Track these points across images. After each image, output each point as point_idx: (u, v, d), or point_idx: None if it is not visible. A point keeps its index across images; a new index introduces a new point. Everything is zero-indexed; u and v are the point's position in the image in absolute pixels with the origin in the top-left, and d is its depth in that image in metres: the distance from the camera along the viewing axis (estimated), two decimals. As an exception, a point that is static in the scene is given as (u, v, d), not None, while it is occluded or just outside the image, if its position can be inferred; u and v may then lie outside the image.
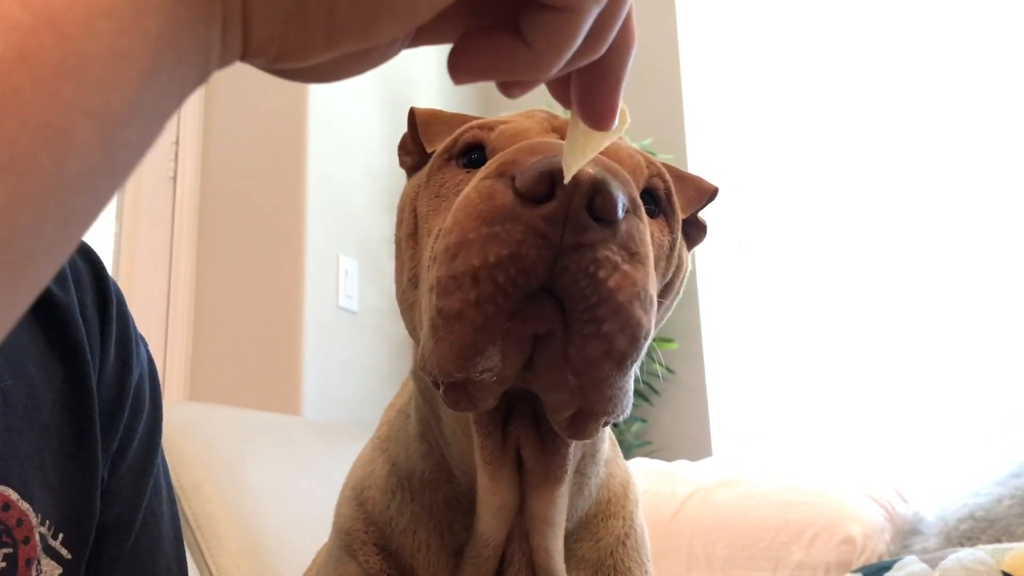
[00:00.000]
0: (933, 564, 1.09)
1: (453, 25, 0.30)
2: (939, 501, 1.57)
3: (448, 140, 0.56)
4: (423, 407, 0.60)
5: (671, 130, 2.42)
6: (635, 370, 0.45)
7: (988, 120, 2.20)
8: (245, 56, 0.26)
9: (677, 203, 0.56)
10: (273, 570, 1.18)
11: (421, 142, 0.61)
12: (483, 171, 0.45)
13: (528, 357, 0.43)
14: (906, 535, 1.53)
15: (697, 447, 2.20)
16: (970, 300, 2.13)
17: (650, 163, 0.55)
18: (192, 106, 1.97)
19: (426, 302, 0.45)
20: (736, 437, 2.30)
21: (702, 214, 0.63)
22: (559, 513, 0.55)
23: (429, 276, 0.44)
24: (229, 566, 1.16)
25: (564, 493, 0.55)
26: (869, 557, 1.45)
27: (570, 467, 0.54)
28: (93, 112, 0.20)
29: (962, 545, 1.36)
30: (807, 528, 1.50)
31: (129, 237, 1.93)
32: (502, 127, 0.53)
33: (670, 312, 0.59)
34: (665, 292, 0.55)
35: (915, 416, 2.12)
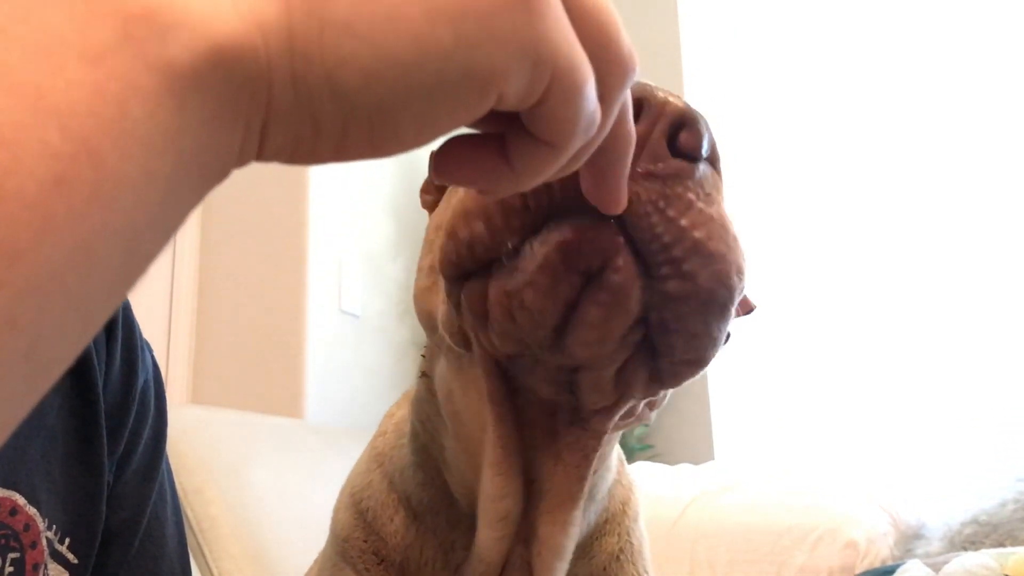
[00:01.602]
0: (937, 568, 1.09)
1: None
2: (942, 505, 1.57)
3: None
4: (423, 435, 0.58)
5: (674, 134, 2.42)
6: (729, 320, 0.40)
7: (998, 136, 2.20)
8: (256, 160, 0.28)
9: None
10: (275, 573, 1.18)
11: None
12: None
13: (571, 301, 0.37)
14: (909, 540, 1.53)
15: (700, 451, 2.20)
16: (975, 304, 2.13)
17: None
18: (195, 110, 1.98)
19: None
20: (739, 441, 2.30)
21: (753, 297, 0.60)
22: (570, 542, 0.51)
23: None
24: (231, 569, 1.16)
25: (579, 518, 0.51)
26: (872, 562, 1.45)
27: (588, 483, 0.50)
28: (119, 231, 0.21)
29: (965, 550, 1.35)
30: (810, 532, 1.50)
31: (132, 241, 1.93)
32: None
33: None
34: None
35: (919, 420, 2.11)
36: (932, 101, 2.26)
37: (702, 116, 0.38)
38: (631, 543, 0.61)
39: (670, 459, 2.03)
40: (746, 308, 0.57)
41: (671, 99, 0.38)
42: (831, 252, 2.31)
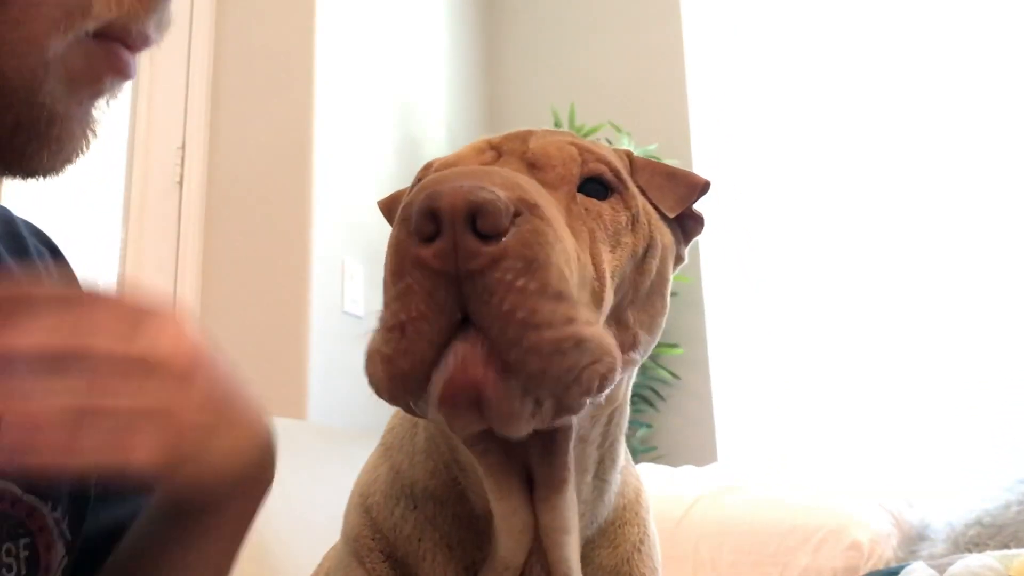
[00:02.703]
0: (941, 570, 1.09)
1: None
2: (946, 507, 1.56)
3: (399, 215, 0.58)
4: (438, 436, 0.60)
5: (676, 135, 2.42)
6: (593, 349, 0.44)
7: (1001, 133, 2.19)
8: None
9: (628, 180, 0.56)
10: (278, 573, 1.18)
11: None
12: (397, 216, 0.46)
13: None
14: (913, 541, 1.52)
15: (703, 453, 2.20)
16: (979, 306, 2.13)
17: (584, 150, 0.54)
18: (198, 111, 1.98)
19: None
20: (742, 443, 2.29)
21: (698, 206, 0.63)
22: (571, 518, 0.55)
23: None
24: (235, 570, 1.16)
25: (571, 498, 0.55)
26: (876, 563, 1.44)
27: (572, 471, 0.54)
28: None
29: (969, 551, 1.35)
30: (813, 533, 1.50)
31: (135, 241, 1.93)
32: (437, 163, 0.55)
33: (666, 299, 0.58)
34: (641, 270, 0.55)
35: (922, 421, 2.11)
36: (932, 102, 2.26)
37: (488, 189, 0.41)
38: (648, 535, 0.64)
39: (673, 460, 2.03)
40: (697, 220, 0.63)
41: (455, 199, 0.41)
42: (836, 255, 2.30)
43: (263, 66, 1.99)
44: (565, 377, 0.43)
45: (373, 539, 0.61)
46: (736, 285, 2.39)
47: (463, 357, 0.42)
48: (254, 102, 1.98)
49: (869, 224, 2.28)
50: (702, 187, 0.61)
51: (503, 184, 0.43)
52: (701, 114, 2.49)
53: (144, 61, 2.02)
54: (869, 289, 2.25)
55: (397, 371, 0.44)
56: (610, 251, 0.52)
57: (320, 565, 0.74)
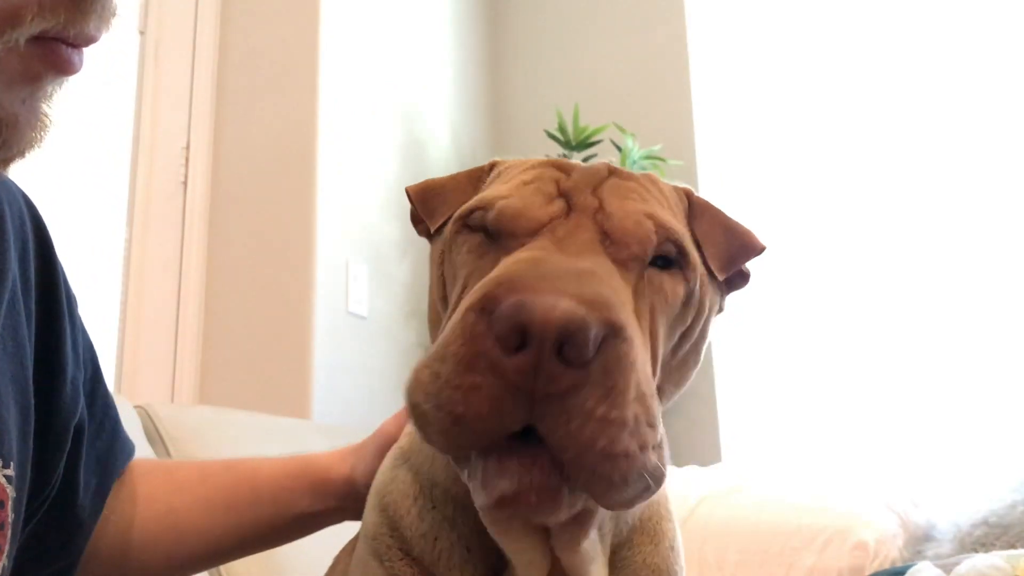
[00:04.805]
0: (947, 570, 1.08)
1: None
2: (952, 507, 1.56)
3: (456, 216, 0.57)
4: None
5: (681, 136, 2.42)
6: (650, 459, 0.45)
7: (1002, 134, 2.19)
8: None
9: (692, 252, 0.55)
10: (283, 572, 1.18)
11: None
12: (469, 299, 0.45)
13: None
14: (919, 541, 1.52)
15: (707, 453, 2.20)
16: (984, 306, 2.12)
17: (660, 226, 0.53)
18: (203, 111, 1.98)
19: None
20: (746, 442, 2.29)
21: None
22: (594, 550, 0.55)
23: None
24: (239, 569, 1.17)
25: (594, 536, 0.55)
26: (882, 563, 1.44)
27: (594, 528, 0.54)
28: None
29: (976, 551, 1.35)
30: (819, 533, 1.49)
31: (139, 242, 1.93)
32: (500, 205, 0.52)
33: (701, 355, 0.58)
34: (685, 337, 0.55)
35: (928, 421, 2.10)
36: (937, 98, 2.25)
37: (584, 311, 0.41)
38: (678, 533, 0.65)
39: (678, 461, 2.02)
40: (744, 276, 0.62)
41: (547, 319, 0.40)
42: (841, 254, 2.30)
43: (267, 67, 1.99)
44: (621, 500, 0.44)
45: (391, 537, 0.61)
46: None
47: (530, 479, 0.42)
48: (259, 103, 1.98)
49: (874, 223, 2.27)
50: (757, 251, 0.59)
51: (592, 300, 0.42)
52: (705, 115, 2.48)
53: (149, 62, 2.03)
54: (874, 288, 2.24)
55: (452, 439, 0.44)
56: (666, 328, 0.52)
57: (332, 567, 0.74)
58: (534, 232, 0.50)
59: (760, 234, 0.60)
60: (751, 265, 0.63)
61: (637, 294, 0.50)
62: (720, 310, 0.61)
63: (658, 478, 0.45)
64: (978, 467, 1.87)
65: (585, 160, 2.28)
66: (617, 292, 0.46)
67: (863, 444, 2.15)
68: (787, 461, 2.07)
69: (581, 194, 0.53)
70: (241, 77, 2.01)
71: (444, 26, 2.51)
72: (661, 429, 0.46)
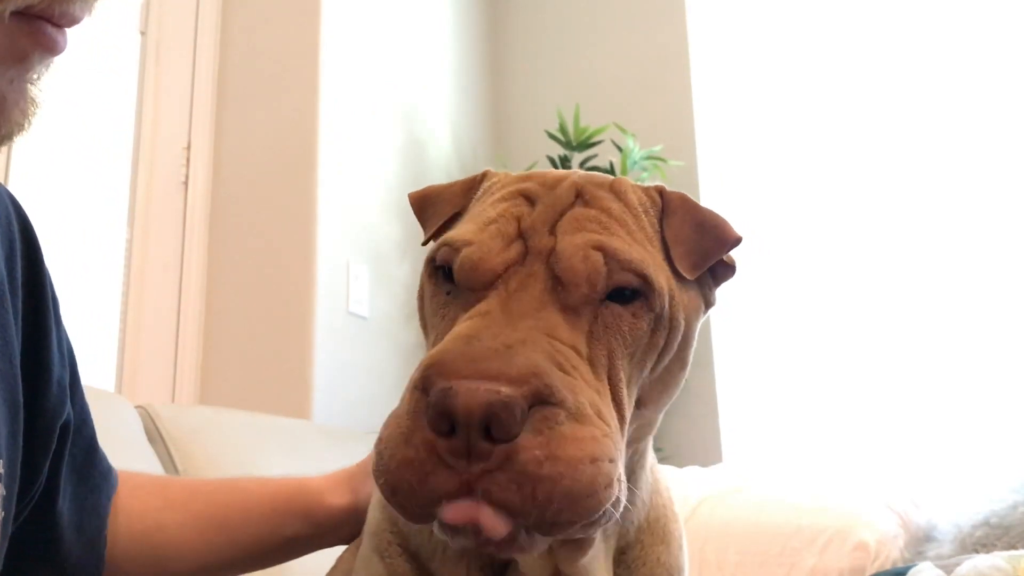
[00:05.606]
0: (948, 570, 1.08)
1: None
2: (953, 507, 1.56)
3: (430, 252, 0.57)
4: None
5: (681, 136, 2.42)
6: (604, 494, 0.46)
7: (1002, 135, 2.19)
8: None
9: (656, 279, 0.53)
10: (286, 570, 1.18)
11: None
12: (414, 374, 0.48)
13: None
14: (920, 542, 1.52)
15: (708, 453, 2.19)
16: (985, 307, 2.12)
17: (612, 258, 0.52)
18: (203, 111, 1.98)
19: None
20: (747, 443, 2.29)
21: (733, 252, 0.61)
22: (596, 564, 0.56)
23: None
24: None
25: (597, 548, 0.56)
26: (883, 564, 1.44)
27: (592, 545, 0.55)
28: None
29: (976, 552, 1.35)
30: (820, 534, 1.49)
31: (140, 242, 1.94)
32: (461, 258, 0.53)
33: (687, 361, 0.59)
34: (662, 355, 0.55)
35: (929, 421, 2.10)
36: (938, 99, 2.25)
37: (501, 398, 0.43)
38: (684, 536, 0.65)
39: (678, 461, 2.02)
40: (728, 267, 0.61)
41: (470, 403, 0.43)
42: (842, 254, 2.30)
43: (268, 67, 1.99)
44: (574, 534, 0.46)
45: (392, 533, 0.62)
46: (740, 285, 2.39)
47: (483, 537, 0.44)
48: (259, 103, 1.98)
49: (874, 223, 2.27)
50: (731, 243, 0.58)
51: (519, 376, 0.44)
52: (706, 115, 2.48)
53: (150, 63, 2.03)
54: (875, 288, 2.24)
55: (402, 493, 0.46)
56: (629, 361, 0.52)
57: (335, 567, 0.74)
58: (490, 284, 0.52)
59: (735, 224, 0.59)
60: (739, 256, 0.62)
61: (592, 337, 0.50)
62: (710, 305, 0.61)
63: (611, 513, 0.46)
64: (979, 467, 1.87)
65: (585, 161, 2.28)
66: (554, 355, 0.47)
67: (864, 445, 2.15)
68: (788, 462, 2.07)
69: (537, 235, 0.53)
70: (242, 77, 2.01)
71: (444, 26, 2.51)
72: (621, 461, 0.47)
